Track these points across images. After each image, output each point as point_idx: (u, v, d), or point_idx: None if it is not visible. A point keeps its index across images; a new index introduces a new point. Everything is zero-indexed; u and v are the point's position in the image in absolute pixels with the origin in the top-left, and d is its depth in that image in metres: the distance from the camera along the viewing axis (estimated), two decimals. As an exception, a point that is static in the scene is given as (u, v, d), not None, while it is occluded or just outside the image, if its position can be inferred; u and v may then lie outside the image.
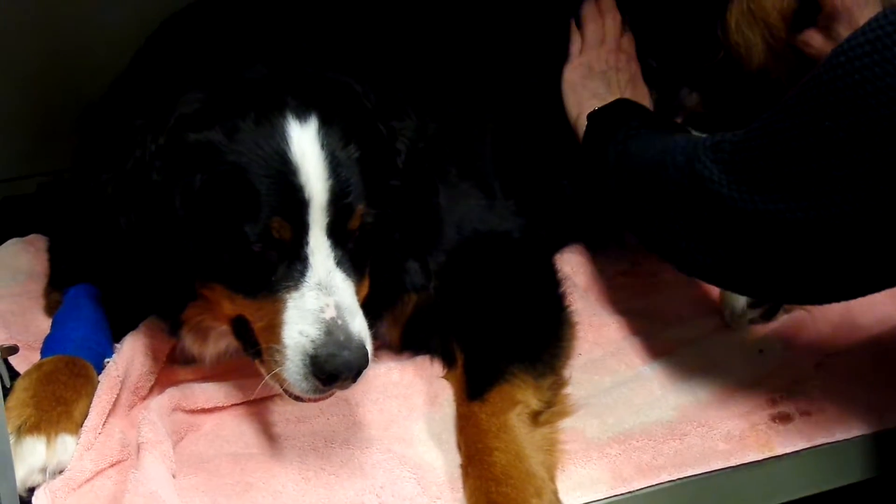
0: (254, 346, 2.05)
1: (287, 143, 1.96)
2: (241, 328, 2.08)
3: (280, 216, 1.95)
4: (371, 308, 2.09)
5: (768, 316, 2.46)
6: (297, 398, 2.04)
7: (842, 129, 1.78)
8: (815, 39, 2.50)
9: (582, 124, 2.46)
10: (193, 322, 2.17)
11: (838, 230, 1.83)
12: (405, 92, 2.34)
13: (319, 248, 1.98)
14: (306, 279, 1.97)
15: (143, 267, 2.08)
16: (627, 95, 2.55)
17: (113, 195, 2.07)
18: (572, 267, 2.62)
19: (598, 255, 2.70)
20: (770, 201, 1.88)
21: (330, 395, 2.05)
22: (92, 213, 2.15)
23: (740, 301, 2.43)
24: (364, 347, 1.96)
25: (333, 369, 1.94)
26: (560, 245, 2.67)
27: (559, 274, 2.48)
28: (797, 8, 2.53)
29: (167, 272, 2.06)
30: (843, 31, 2.37)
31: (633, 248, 2.69)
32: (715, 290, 2.52)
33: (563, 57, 2.67)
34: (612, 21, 2.69)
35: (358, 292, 2.03)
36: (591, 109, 2.44)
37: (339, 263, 1.99)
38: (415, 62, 2.51)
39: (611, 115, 2.40)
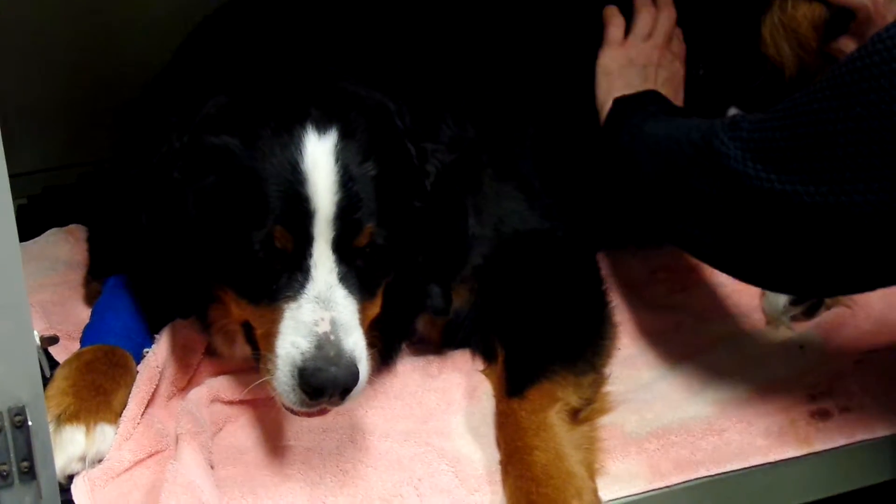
0: (259, 352, 2.03)
1: (301, 153, 1.94)
2: (248, 333, 2.07)
3: (283, 225, 1.93)
4: (388, 326, 2.09)
5: (809, 313, 2.45)
6: (290, 410, 2.01)
7: (874, 117, 1.74)
8: (848, 46, 2.49)
9: (607, 109, 2.41)
10: (220, 324, 2.17)
11: (859, 218, 1.78)
12: (445, 96, 2.32)
13: (323, 261, 1.95)
14: (305, 291, 1.94)
15: (162, 264, 2.09)
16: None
17: (137, 189, 2.08)
18: (612, 262, 2.61)
19: (638, 251, 2.69)
20: (789, 182, 1.83)
21: (322, 412, 2.02)
22: (122, 206, 2.16)
23: (781, 298, 2.42)
24: (354, 366, 1.92)
25: (319, 384, 1.90)
26: (603, 243, 2.64)
27: (602, 271, 2.46)
28: (829, 17, 2.52)
29: (182, 272, 2.06)
30: None
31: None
32: (755, 287, 2.50)
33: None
34: (667, 17, 2.60)
35: (364, 311, 1.99)
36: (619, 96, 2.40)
37: (342, 279, 1.96)
38: (455, 65, 2.49)
39: (634, 102, 2.35)
